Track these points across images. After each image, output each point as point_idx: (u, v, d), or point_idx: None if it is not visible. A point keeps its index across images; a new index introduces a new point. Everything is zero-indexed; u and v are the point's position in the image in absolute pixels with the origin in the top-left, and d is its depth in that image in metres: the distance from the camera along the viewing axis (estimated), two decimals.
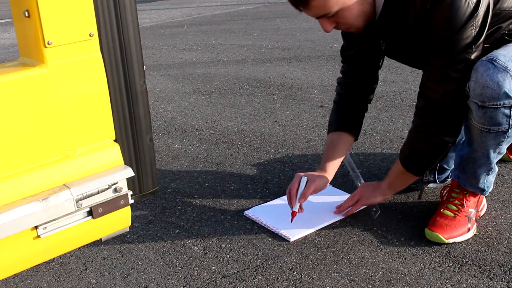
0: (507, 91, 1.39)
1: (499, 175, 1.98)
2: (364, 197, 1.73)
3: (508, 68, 1.40)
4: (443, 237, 1.58)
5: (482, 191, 1.64)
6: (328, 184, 1.75)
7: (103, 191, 1.14)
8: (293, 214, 1.69)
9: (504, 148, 1.53)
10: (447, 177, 1.92)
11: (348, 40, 1.80)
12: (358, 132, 1.84)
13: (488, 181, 1.63)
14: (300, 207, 1.68)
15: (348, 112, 1.83)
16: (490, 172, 1.60)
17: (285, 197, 1.92)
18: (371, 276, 1.48)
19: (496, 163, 1.60)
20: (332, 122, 1.84)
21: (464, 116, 1.51)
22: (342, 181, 2.04)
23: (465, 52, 1.42)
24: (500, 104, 1.41)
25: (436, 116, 1.50)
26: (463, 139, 1.65)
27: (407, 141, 1.63)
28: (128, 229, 1.28)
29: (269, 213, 1.81)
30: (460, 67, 1.43)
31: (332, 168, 1.77)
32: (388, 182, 1.71)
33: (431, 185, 1.91)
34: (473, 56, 1.43)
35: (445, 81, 1.46)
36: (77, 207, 1.11)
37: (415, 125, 1.57)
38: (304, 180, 1.69)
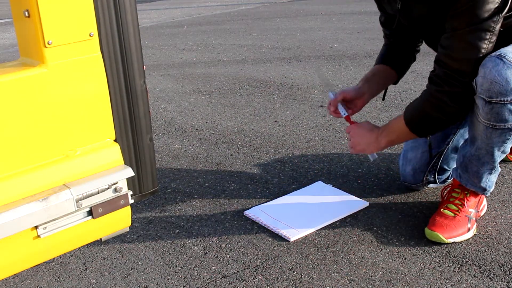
0: None
1: (499, 175, 1.98)
2: (358, 147, 1.74)
3: None
4: (443, 236, 1.59)
5: (484, 190, 1.64)
6: (366, 99, 1.84)
7: (103, 191, 1.14)
8: (346, 118, 1.81)
9: (508, 147, 1.52)
10: (447, 178, 1.92)
11: (379, 5, 1.83)
12: (401, 73, 1.89)
13: (490, 181, 1.63)
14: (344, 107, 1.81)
15: (396, 52, 1.88)
16: (492, 172, 1.60)
17: (285, 197, 1.92)
18: (371, 276, 1.48)
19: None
20: (378, 57, 1.92)
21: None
22: (342, 181, 2.04)
23: (491, 21, 1.39)
24: (507, 100, 1.40)
25: (455, 85, 1.46)
26: (467, 138, 1.65)
27: (418, 104, 1.58)
28: (128, 229, 1.28)
29: (269, 213, 1.81)
30: (485, 36, 1.41)
31: (367, 85, 1.83)
32: (388, 140, 1.67)
33: (431, 185, 1.91)
34: (497, 28, 1.41)
35: (468, 49, 1.43)
36: (77, 207, 1.11)
37: (431, 91, 1.52)
38: (331, 94, 1.83)
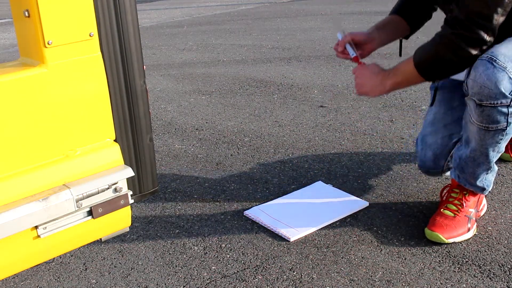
0: (503, 91, 1.40)
1: (499, 175, 1.98)
2: (362, 88, 1.69)
3: (507, 69, 1.40)
4: (443, 237, 1.59)
5: (482, 190, 1.64)
6: (375, 46, 1.79)
7: (103, 191, 1.14)
8: (354, 59, 1.74)
9: (502, 147, 1.53)
10: None
11: None
12: (414, 28, 1.86)
13: (488, 180, 1.63)
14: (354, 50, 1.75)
15: (413, 5, 1.84)
16: (489, 171, 1.60)
17: (285, 197, 1.92)
18: (371, 276, 1.48)
19: (496, 163, 1.60)
20: (394, 8, 1.88)
21: (495, 34, 1.44)
22: (342, 181, 2.04)
23: None
24: (497, 103, 1.41)
25: (472, 30, 1.42)
26: (462, 139, 1.65)
27: (429, 46, 1.53)
28: (128, 229, 1.28)
29: (269, 213, 1.81)
30: None
31: (377, 32, 1.80)
32: (394, 82, 1.62)
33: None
34: None
35: None
36: (77, 207, 1.11)
37: (446, 33, 1.47)
38: (339, 35, 1.78)
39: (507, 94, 1.40)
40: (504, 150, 1.56)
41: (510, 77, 1.40)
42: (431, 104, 1.78)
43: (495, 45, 1.45)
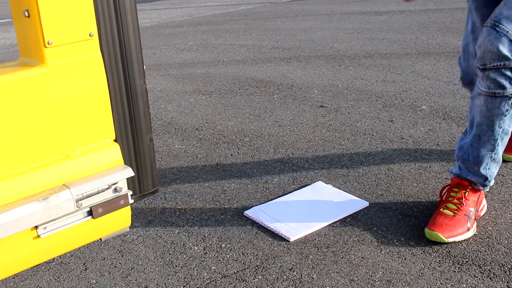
0: (505, 53, 1.46)
1: (499, 175, 1.98)
2: None
3: (509, 33, 1.47)
4: (443, 236, 1.59)
5: (485, 180, 1.65)
6: None
7: (103, 191, 1.14)
8: None
9: (508, 125, 1.57)
10: None
11: None
12: None
13: (491, 170, 1.63)
14: None
15: None
16: (493, 155, 1.61)
17: (285, 197, 1.92)
18: (371, 276, 1.48)
19: None
20: None
21: None
22: (342, 181, 2.04)
23: None
24: (500, 65, 1.48)
25: None
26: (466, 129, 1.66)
27: None
28: (128, 229, 1.28)
29: (269, 213, 1.81)
30: None
31: None
32: None
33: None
34: None
35: None
36: (77, 207, 1.11)
37: None
38: None
39: (509, 56, 1.47)
40: (510, 133, 1.59)
41: (511, 40, 1.46)
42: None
43: (501, 4, 1.50)
